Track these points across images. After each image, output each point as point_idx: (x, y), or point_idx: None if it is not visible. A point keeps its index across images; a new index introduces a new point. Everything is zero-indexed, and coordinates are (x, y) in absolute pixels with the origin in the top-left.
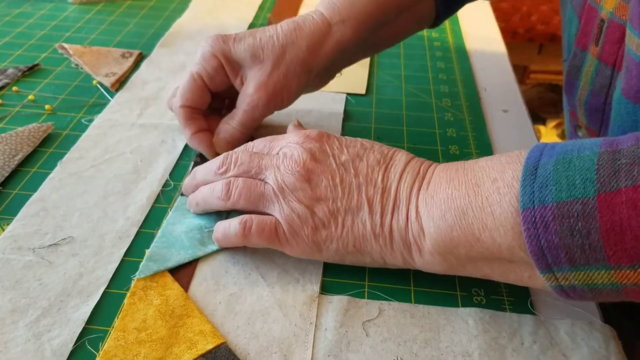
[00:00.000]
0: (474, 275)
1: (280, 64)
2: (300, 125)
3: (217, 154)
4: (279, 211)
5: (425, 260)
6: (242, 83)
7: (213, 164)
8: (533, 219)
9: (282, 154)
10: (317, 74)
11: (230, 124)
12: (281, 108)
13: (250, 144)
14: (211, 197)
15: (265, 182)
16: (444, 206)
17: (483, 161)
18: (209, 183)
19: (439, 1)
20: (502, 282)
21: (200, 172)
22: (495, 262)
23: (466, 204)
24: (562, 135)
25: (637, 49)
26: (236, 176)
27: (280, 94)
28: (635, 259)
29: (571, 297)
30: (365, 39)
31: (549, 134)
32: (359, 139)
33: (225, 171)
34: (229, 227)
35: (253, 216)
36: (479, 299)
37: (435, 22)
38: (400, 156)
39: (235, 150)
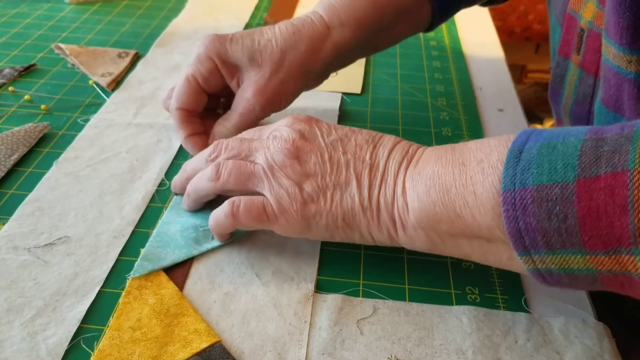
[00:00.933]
0: (455, 254)
1: (279, 69)
2: None
3: None
4: (268, 189)
5: (409, 236)
6: (238, 85)
7: (204, 153)
8: (513, 200)
9: (271, 136)
10: (315, 76)
11: (225, 126)
12: (278, 110)
13: (241, 133)
14: (201, 181)
15: (255, 163)
16: (429, 182)
17: (473, 143)
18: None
19: (436, 6)
20: (483, 263)
21: (191, 164)
22: (474, 240)
23: (450, 181)
24: None
25: (613, 58)
26: (227, 159)
27: (278, 98)
28: (610, 245)
29: (548, 282)
30: (364, 42)
31: None
32: (347, 126)
33: (216, 157)
34: (219, 211)
35: (242, 197)
36: (473, 297)
37: (431, 26)
38: (389, 138)
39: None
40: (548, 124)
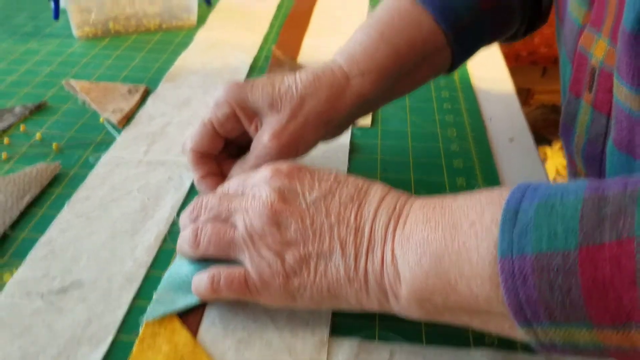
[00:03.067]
0: (453, 323)
1: (298, 115)
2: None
3: None
4: (249, 260)
5: (402, 306)
6: (256, 130)
7: (187, 210)
8: (511, 269)
9: (250, 195)
10: (335, 125)
11: (242, 169)
12: (296, 157)
13: (226, 184)
14: (183, 244)
15: (235, 227)
16: (420, 250)
17: (462, 199)
18: (184, 229)
19: (457, 49)
20: (484, 330)
21: (180, 219)
22: (473, 313)
23: (442, 248)
24: None
25: (625, 99)
26: (207, 221)
27: (295, 145)
28: (618, 319)
29: (552, 352)
30: (385, 90)
31: (555, 155)
32: (334, 171)
33: (197, 217)
34: (199, 283)
35: (222, 268)
36: (491, 339)
37: (451, 68)
38: (375, 190)
39: (208, 194)
40: (557, 145)
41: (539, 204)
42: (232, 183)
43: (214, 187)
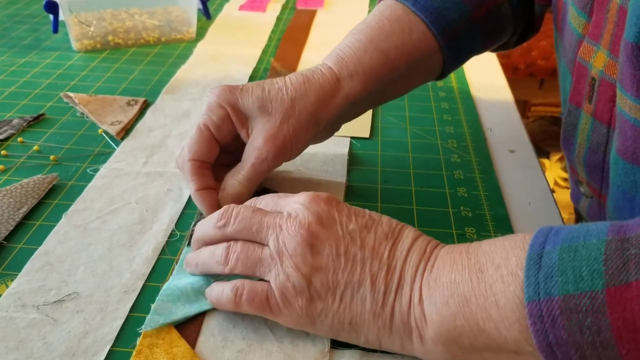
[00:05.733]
0: None
1: (290, 117)
2: None
3: None
4: (274, 277)
5: (427, 349)
6: (247, 135)
7: (213, 217)
8: (539, 312)
9: (286, 214)
10: (325, 126)
11: (236, 179)
12: (289, 159)
13: (259, 199)
14: (211, 261)
15: (264, 245)
16: (447, 292)
17: (486, 245)
18: (208, 238)
19: (448, 55)
20: None
21: (201, 227)
22: (501, 353)
23: (469, 290)
24: (565, 169)
25: (629, 110)
26: (235, 232)
27: (289, 147)
28: None
29: None
30: (374, 93)
31: (553, 167)
32: (367, 210)
33: (224, 225)
34: (221, 293)
35: (246, 282)
36: None
37: (442, 74)
38: (408, 232)
39: (238, 205)
40: (555, 157)
41: (562, 248)
42: (266, 199)
43: (210, 202)
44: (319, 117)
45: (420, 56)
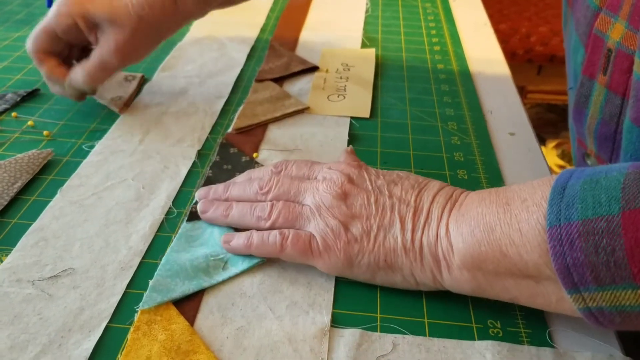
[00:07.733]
0: (502, 297)
1: (137, 31)
2: (353, 153)
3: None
4: (314, 226)
5: (454, 277)
6: (96, 39)
7: (254, 185)
8: (559, 236)
9: (321, 178)
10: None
11: (80, 74)
12: (136, 63)
13: (289, 163)
14: (249, 215)
15: (303, 204)
16: (473, 222)
17: (515, 185)
18: (247, 199)
19: None
20: (530, 306)
21: (237, 189)
22: (522, 281)
23: (495, 220)
24: (562, 156)
25: None
26: (276, 197)
27: (135, 55)
28: None
29: (601, 322)
30: None
31: (549, 154)
32: (396, 171)
33: (268, 192)
34: (267, 237)
35: (290, 229)
36: (496, 331)
37: None
38: (434, 183)
39: (276, 175)
40: (551, 144)
41: (585, 180)
42: (297, 165)
43: (64, 76)
44: (166, 30)
45: None
